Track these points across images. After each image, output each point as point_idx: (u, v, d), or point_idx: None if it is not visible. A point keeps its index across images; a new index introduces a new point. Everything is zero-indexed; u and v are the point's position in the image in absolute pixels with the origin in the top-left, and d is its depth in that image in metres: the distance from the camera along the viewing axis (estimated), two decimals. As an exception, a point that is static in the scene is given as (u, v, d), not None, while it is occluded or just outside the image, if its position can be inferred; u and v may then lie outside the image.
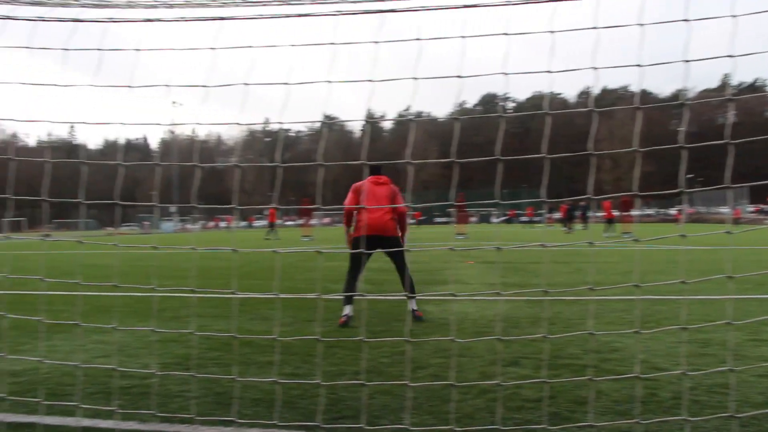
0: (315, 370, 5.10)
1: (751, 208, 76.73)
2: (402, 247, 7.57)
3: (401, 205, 7.46)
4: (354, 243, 7.47)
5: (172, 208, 79.38)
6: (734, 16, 2.81)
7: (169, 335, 6.54)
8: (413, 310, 7.49)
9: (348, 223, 7.72)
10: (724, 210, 75.96)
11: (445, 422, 3.82)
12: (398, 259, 7.61)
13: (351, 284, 7.42)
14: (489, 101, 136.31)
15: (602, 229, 34.77)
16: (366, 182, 7.64)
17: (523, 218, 73.57)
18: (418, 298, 8.25)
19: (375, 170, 7.86)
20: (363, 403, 4.10)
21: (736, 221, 62.70)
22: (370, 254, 7.63)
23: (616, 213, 34.28)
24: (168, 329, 6.82)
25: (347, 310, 7.26)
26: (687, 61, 2.80)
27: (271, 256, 18.79)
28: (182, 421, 3.89)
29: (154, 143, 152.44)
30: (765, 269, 12.35)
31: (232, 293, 3.12)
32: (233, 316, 7.86)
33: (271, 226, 39.11)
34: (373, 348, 5.87)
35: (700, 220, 76.15)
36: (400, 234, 7.67)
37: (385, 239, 7.39)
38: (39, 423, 3.84)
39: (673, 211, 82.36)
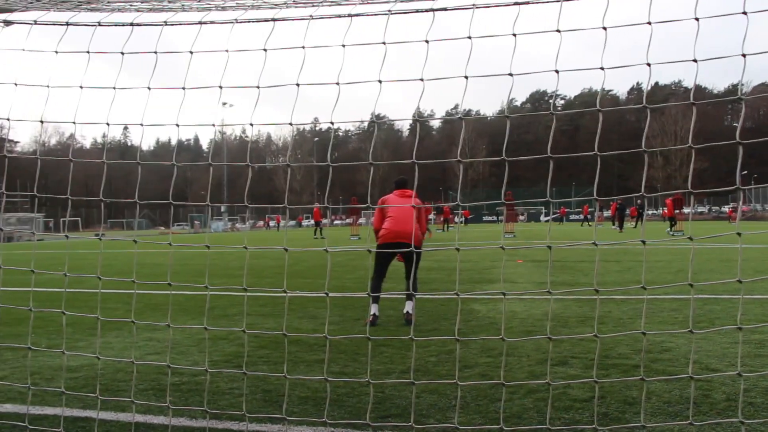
0: (363, 369, 5.12)
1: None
2: (419, 256, 7.69)
3: (423, 205, 7.55)
4: (379, 248, 7.60)
5: (222, 208, 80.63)
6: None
7: (219, 333, 6.65)
8: (408, 312, 7.47)
9: (377, 235, 7.86)
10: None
11: (492, 421, 3.81)
12: (414, 265, 7.43)
13: (377, 286, 7.57)
14: (538, 98, 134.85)
15: (666, 227, 34.08)
16: (392, 196, 7.84)
17: (575, 216, 72.62)
18: (468, 297, 8.22)
19: (401, 184, 7.97)
20: (412, 403, 4.10)
21: (795, 219, 60.79)
22: (393, 257, 7.77)
23: (677, 211, 33.53)
24: (218, 327, 6.94)
25: (374, 309, 7.32)
26: (744, 55, 2.73)
27: (320, 255, 18.94)
28: (231, 418, 3.96)
29: (204, 144, 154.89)
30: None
31: (283, 291, 3.15)
32: (283, 314, 7.94)
33: (317, 225, 39.38)
34: (421, 347, 5.88)
35: (756, 217, 74.05)
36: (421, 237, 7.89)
37: (408, 246, 7.46)
38: (94, 418, 3.95)
39: (726, 209, 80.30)
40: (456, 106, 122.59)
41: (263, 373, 4.38)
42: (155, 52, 3.30)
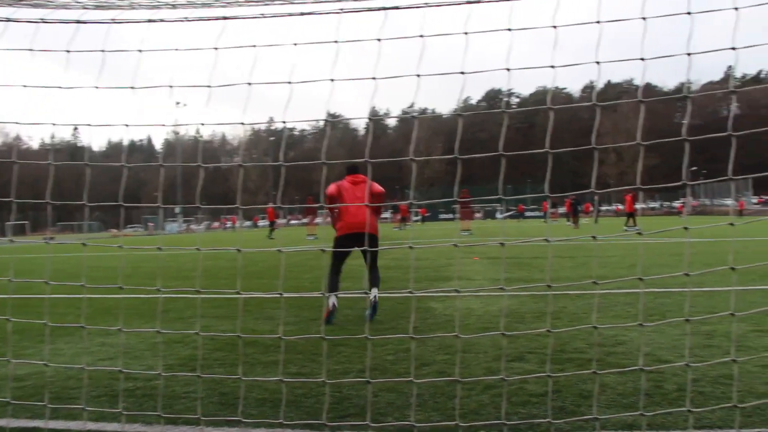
0: (320, 369, 5.10)
1: (755, 199, 76.60)
2: (378, 244, 7.89)
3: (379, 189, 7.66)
4: (337, 242, 7.65)
5: (177, 209, 79.55)
6: (736, 8, 2.80)
7: (174, 336, 6.55)
8: (374, 298, 7.48)
9: (334, 224, 7.98)
10: (728, 202, 75.90)
11: (450, 418, 3.82)
12: (374, 256, 7.75)
13: (333, 282, 7.60)
14: (493, 97, 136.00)
15: (622, 222, 34.61)
16: (344, 182, 7.86)
17: (531, 213, 73.43)
18: (423, 295, 8.26)
19: (352, 169, 8.03)
20: (368, 401, 4.10)
21: (740, 213, 62.58)
22: (349, 252, 7.85)
23: (636, 207, 34.14)
24: (173, 330, 6.84)
25: (332, 299, 7.35)
26: (689, 54, 2.79)
27: (276, 255, 18.81)
28: (187, 423, 3.90)
29: (158, 144, 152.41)
30: (771, 261, 12.30)
31: (237, 293, 3.12)
32: (238, 316, 7.87)
33: (272, 225, 39.08)
34: (378, 346, 5.88)
35: (705, 212, 76.03)
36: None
37: (364, 235, 7.46)
38: (43, 427, 3.85)
39: (677, 204, 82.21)
40: (412, 105, 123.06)
41: (218, 376, 4.32)
42: (102, 51, 3.23)
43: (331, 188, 7.88)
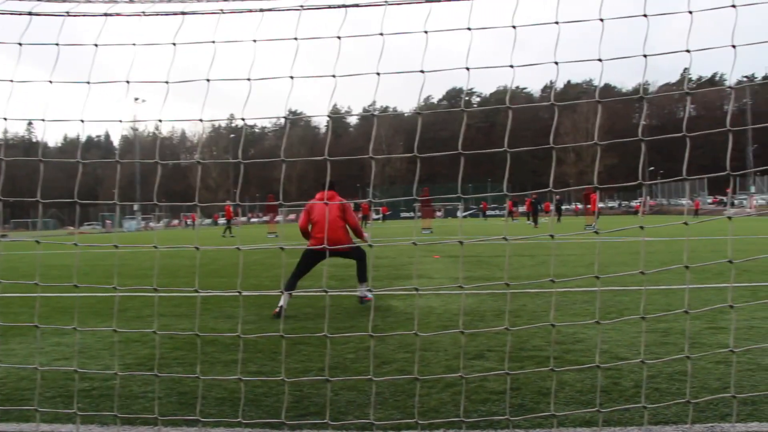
0: (280, 368, 5.07)
1: (710, 199, 78.34)
2: (354, 252, 8.33)
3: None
4: (305, 252, 8.10)
5: (135, 207, 78.39)
6: (690, 12, 2.85)
7: (132, 335, 6.45)
8: (363, 296, 8.26)
9: (306, 238, 8.30)
10: (684, 201, 77.50)
11: (411, 416, 3.83)
12: (356, 257, 8.35)
13: (293, 282, 7.99)
14: (455, 96, 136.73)
15: (584, 222, 35.05)
16: (315, 201, 8.25)
17: (492, 212, 73.96)
18: (383, 293, 8.30)
19: (323, 187, 8.10)
20: (327, 400, 4.08)
21: (696, 212, 63.89)
22: (317, 262, 8.25)
23: (588, 206, 34.65)
24: (130, 329, 6.73)
25: (282, 301, 7.57)
26: (645, 55, 2.83)
27: (236, 253, 18.63)
28: (145, 423, 3.84)
29: (116, 140, 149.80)
30: (722, 259, 12.58)
31: (195, 291, 3.08)
32: (197, 314, 7.78)
33: (228, 223, 38.71)
34: (339, 344, 5.86)
35: (662, 211, 77.52)
36: (354, 239, 8.51)
37: (337, 253, 8.29)
38: (-5, 428, 3.76)
39: (635, 203, 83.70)
40: (373, 103, 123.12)
41: (177, 375, 4.26)
42: (57, 44, 3.16)
43: (306, 207, 8.35)
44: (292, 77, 2.98)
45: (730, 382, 4.33)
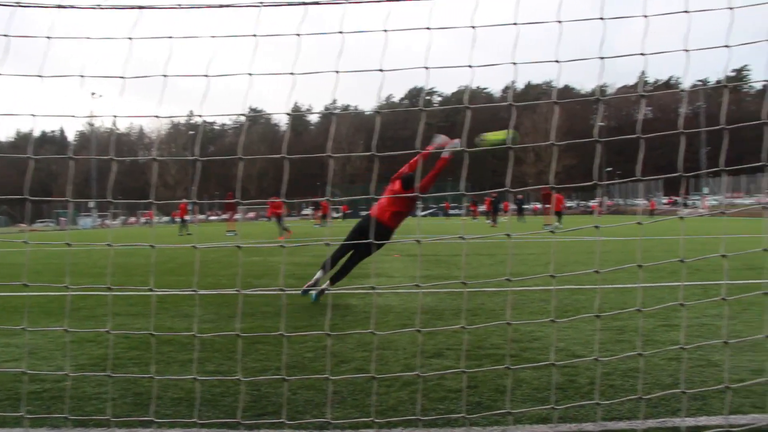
0: (237, 367, 5.02)
1: (665, 200, 79.96)
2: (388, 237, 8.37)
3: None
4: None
5: (91, 204, 76.96)
6: (645, 16, 2.89)
7: (86, 336, 6.32)
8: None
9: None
10: (640, 202, 79.06)
11: (369, 415, 3.82)
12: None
13: (336, 257, 8.45)
14: (416, 95, 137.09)
15: (544, 221, 35.33)
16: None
17: (453, 212, 74.29)
18: (341, 291, 8.29)
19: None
20: (284, 399, 4.06)
21: (652, 212, 65.12)
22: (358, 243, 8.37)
23: (548, 206, 35.05)
24: (84, 329, 6.59)
25: (318, 275, 8.25)
26: (602, 58, 2.87)
27: (194, 251, 18.38)
28: (98, 424, 3.77)
29: (71, 136, 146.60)
30: (676, 258, 12.84)
31: (149, 290, 3.03)
32: (155, 313, 7.66)
33: (183, 221, 38.19)
34: (297, 343, 5.83)
35: (619, 211, 78.88)
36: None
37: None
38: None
39: (592, 203, 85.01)
40: (334, 102, 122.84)
41: (131, 375, 4.19)
42: (6, 36, 3.07)
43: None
44: (250, 74, 2.95)
45: (681, 378, 4.44)
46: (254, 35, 2.98)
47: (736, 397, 4.11)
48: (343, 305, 8.16)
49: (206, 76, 3.07)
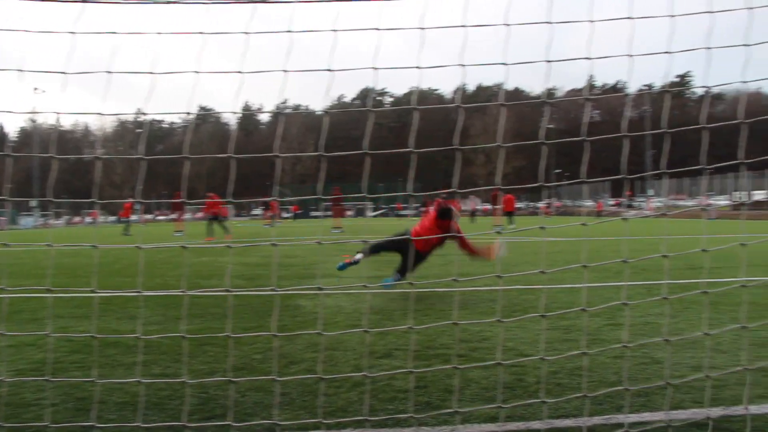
0: (186, 369, 4.95)
1: (611, 201, 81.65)
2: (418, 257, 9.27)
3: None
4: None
5: (33, 203, 74.87)
6: (591, 21, 2.94)
7: (25, 339, 6.12)
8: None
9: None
10: (588, 203, 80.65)
11: (318, 416, 3.80)
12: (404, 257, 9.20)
13: (377, 247, 9.33)
14: (366, 95, 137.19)
15: (504, 222, 35.58)
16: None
17: (404, 212, 74.44)
18: (288, 292, 8.25)
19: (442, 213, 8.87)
20: (230, 401, 4.01)
21: (599, 214, 66.42)
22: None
23: (497, 206, 35.38)
24: (23, 332, 6.40)
25: (359, 256, 9.13)
26: (549, 61, 2.90)
27: (143, 252, 18.02)
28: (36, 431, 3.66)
29: (12, 132, 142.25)
30: (621, 258, 13.10)
31: (92, 291, 2.95)
32: (99, 315, 7.49)
33: (127, 221, 37.48)
34: (246, 344, 5.76)
35: (567, 212, 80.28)
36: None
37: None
38: None
39: (540, 205, 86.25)
40: (285, 101, 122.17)
41: (72, 380, 4.08)
42: (-60, 29, 2.96)
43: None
44: (197, 72, 2.89)
45: (624, 376, 4.53)
46: (201, 33, 2.94)
47: (677, 393, 4.22)
48: (293, 306, 8.11)
49: (152, 73, 3.01)
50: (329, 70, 2.69)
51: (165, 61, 3.01)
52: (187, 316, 7.43)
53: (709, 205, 56.31)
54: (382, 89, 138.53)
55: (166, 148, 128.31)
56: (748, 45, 2.98)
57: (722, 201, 63.18)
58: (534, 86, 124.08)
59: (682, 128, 3.36)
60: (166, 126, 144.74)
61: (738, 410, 3.85)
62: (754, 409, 3.92)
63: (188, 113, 2.81)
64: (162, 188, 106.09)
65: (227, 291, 2.55)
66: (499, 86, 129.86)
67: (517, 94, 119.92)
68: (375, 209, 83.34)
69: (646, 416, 3.83)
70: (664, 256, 3.05)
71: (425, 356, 5.36)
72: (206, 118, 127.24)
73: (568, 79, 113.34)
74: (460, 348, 5.63)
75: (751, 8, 2.98)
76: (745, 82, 3.09)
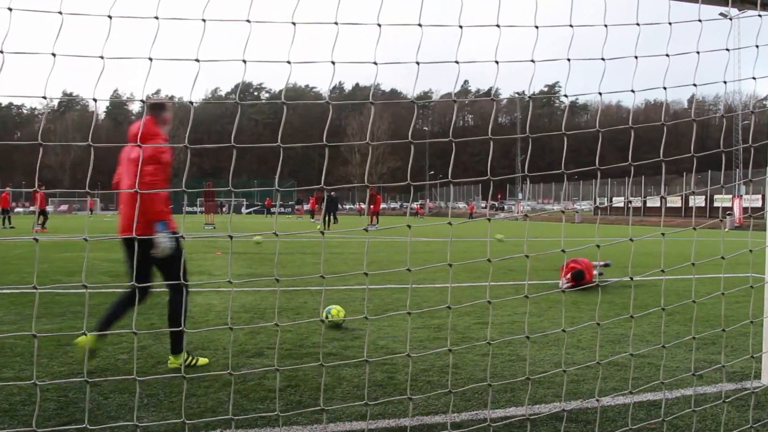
0: (43, 372, 4.70)
1: (483, 203, 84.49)
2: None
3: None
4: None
5: None
6: (461, 26, 3.02)
7: None
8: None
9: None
10: (461, 205, 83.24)
11: (187, 417, 3.71)
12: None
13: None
14: (244, 90, 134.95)
15: (365, 221, 35.84)
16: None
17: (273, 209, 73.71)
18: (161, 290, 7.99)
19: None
20: (86, 404, 3.85)
21: (471, 215, 68.55)
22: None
23: (384, 206, 35.81)
24: None
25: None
26: (418, 63, 2.96)
27: (5, 246, 16.89)
28: None
29: None
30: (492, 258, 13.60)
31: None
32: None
33: (5, 212, 35.10)
34: (111, 344, 5.53)
35: (440, 213, 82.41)
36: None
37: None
38: None
39: (415, 205, 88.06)
40: (158, 91, 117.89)
41: None
42: None
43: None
44: (54, 54, 2.71)
45: (493, 372, 4.73)
46: (60, 12, 2.77)
47: (540, 388, 4.44)
48: (162, 304, 7.85)
49: (1, 52, 2.79)
50: (197, 60, 2.63)
51: (14, 40, 2.81)
52: (47, 314, 7.03)
53: (574, 209, 59.53)
54: (260, 84, 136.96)
55: (26, 135, 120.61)
56: (605, 59, 3.17)
57: (585, 205, 67.44)
58: (409, 89, 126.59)
59: (546, 134, 3.54)
60: (27, 111, 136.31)
61: (591, 402, 4.10)
62: (607, 401, 4.20)
63: (48, 98, 2.66)
64: (20, 179, 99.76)
65: (84, 287, 2.44)
66: (377, 87, 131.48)
67: (394, 95, 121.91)
68: (249, 206, 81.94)
69: (511, 410, 4.02)
70: (526, 256, 3.20)
71: (297, 355, 5.36)
72: (72, 105, 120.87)
73: (444, 82, 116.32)
74: (332, 346, 5.66)
75: (606, 25, 3.18)
76: (600, 93, 3.29)
